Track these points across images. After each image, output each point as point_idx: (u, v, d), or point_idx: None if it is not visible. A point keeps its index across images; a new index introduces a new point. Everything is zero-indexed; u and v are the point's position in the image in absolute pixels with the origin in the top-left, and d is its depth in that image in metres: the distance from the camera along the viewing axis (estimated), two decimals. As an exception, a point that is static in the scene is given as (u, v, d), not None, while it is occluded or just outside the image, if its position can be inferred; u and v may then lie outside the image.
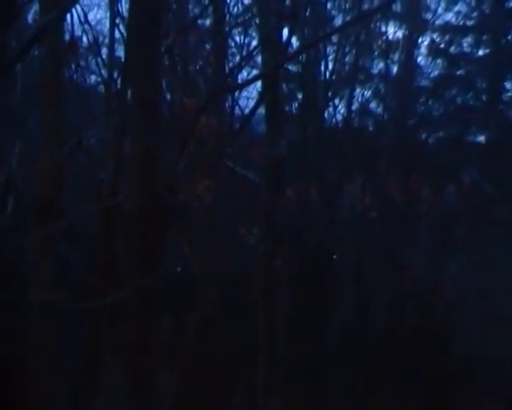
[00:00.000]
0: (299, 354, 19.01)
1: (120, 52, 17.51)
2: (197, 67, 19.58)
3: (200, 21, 18.52)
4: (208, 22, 19.25)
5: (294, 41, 19.28)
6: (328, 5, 20.77)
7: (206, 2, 18.07)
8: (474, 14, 21.97)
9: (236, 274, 19.43)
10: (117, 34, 17.25)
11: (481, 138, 22.63)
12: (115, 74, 17.25)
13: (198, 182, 19.68)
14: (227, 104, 19.62)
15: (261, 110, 18.34)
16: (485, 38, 22.18)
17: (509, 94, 21.55)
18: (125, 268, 12.76)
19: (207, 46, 19.56)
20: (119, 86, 16.66)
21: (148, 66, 11.39)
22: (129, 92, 14.16)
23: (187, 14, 18.64)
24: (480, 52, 22.40)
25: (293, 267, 19.70)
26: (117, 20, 17.06)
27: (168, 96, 18.09)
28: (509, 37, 21.23)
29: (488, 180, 21.23)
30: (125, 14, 16.09)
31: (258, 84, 18.26)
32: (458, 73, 22.45)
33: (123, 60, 16.56)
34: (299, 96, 21.67)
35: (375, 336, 19.94)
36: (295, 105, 21.74)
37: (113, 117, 15.96)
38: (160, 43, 12.19)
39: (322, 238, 20.27)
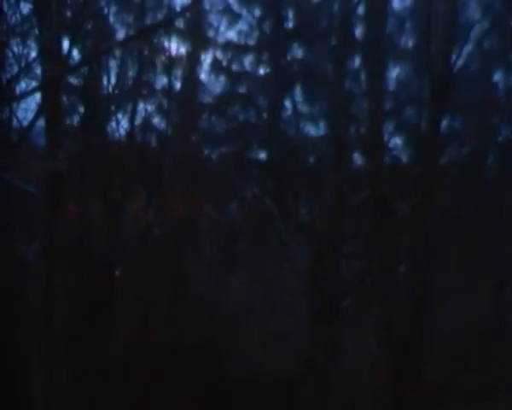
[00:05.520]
0: (79, 369, 18.62)
1: None
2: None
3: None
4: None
5: (76, 53, 18.98)
6: (111, 18, 20.62)
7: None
8: (255, 34, 22.46)
9: (12, 290, 18.77)
10: None
11: (262, 155, 23.15)
12: None
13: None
14: (4, 116, 18.94)
15: (41, 123, 17.85)
16: (265, 57, 22.72)
17: (289, 112, 22.12)
18: None
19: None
20: None
21: None
22: None
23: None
24: (261, 71, 22.95)
25: (73, 283, 19.26)
26: None
27: None
28: (289, 57, 21.82)
29: (269, 196, 21.72)
30: None
31: (38, 96, 17.78)
32: (240, 90, 22.85)
33: None
34: (81, 109, 21.29)
35: (157, 351, 19.85)
36: (77, 118, 21.32)
37: None
38: None
39: (105, 254, 19.98)
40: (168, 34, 21.48)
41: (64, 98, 19.57)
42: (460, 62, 20.20)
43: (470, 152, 22.73)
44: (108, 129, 21.25)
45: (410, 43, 21.98)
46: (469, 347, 20.07)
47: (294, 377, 19.17)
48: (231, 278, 21.83)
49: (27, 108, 18.70)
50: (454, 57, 20.16)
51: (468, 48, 20.42)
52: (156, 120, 22.49)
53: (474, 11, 21.15)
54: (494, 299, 20.93)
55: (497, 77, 23.18)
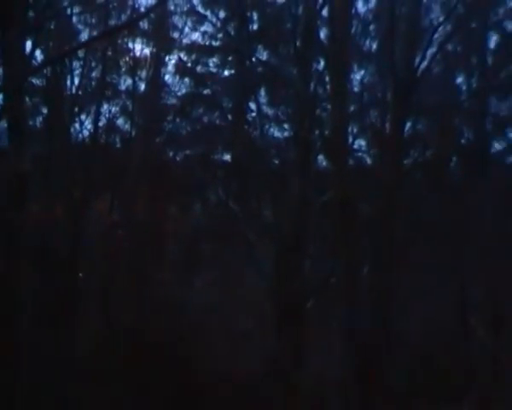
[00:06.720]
0: (44, 370, 18.48)
1: None
2: None
3: None
4: None
5: (39, 54, 18.85)
6: (74, 19, 20.51)
7: None
8: (220, 35, 22.43)
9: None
10: None
11: (227, 157, 23.13)
12: None
13: None
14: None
15: (3, 124, 17.71)
16: (230, 58, 22.71)
17: (254, 114, 22.12)
18: None
19: None
20: None
21: None
22: None
23: None
24: (226, 72, 22.95)
25: (36, 285, 19.10)
26: None
27: None
28: (253, 59, 21.81)
29: (233, 198, 21.72)
30: None
31: (0, 97, 17.64)
32: (205, 92, 22.81)
33: None
34: (44, 110, 21.17)
35: (123, 351, 19.78)
36: (40, 120, 21.20)
37: None
38: None
39: (68, 255, 19.87)
40: (132, 35, 21.42)
41: (27, 99, 19.44)
42: (423, 65, 20.28)
43: (434, 154, 22.86)
44: (72, 130, 21.15)
45: (374, 46, 22.08)
46: (434, 347, 20.22)
47: (260, 378, 19.18)
48: (196, 278, 21.80)
49: (-11, 110, 18.56)
50: (417, 60, 20.23)
51: (431, 50, 20.52)
52: (120, 122, 22.46)
53: (437, 14, 21.29)
54: (457, 299, 21.08)
55: (460, 79, 23.43)
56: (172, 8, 22.07)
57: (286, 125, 22.20)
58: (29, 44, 17.08)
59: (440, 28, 20.46)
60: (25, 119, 18.80)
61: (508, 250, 20.15)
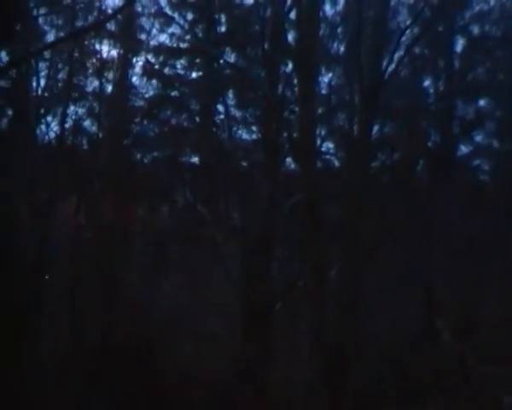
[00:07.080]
0: (9, 371, 18.34)
1: None
2: None
3: None
4: None
5: (4, 55, 18.69)
6: (40, 20, 20.36)
7: None
8: (188, 37, 22.38)
9: None
10: None
11: (195, 159, 23.07)
12: None
13: None
14: None
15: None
16: (198, 60, 22.67)
17: (222, 116, 22.09)
18: None
19: None
20: None
21: None
22: None
23: None
24: (194, 74, 22.89)
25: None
26: None
27: None
28: (221, 61, 21.78)
29: (201, 200, 21.67)
30: None
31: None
32: (172, 94, 22.74)
33: None
34: (10, 112, 21.00)
35: (89, 353, 19.66)
36: (5, 121, 21.02)
37: None
38: None
39: (35, 257, 19.72)
40: (99, 37, 21.30)
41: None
42: (391, 68, 20.34)
43: (401, 157, 22.96)
44: (38, 132, 21.00)
45: (342, 49, 22.12)
46: (401, 349, 20.29)
47: (227, 379, 19.15)
48: (164, 280, 21.72)
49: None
50: (385, 63, 20.29)
51: (398, 53, 20.58)
52: (87, 124, 22.33)
53: (404, 17, 21.40)
54: (424, 300, 21.20)
55: (427, 83, 23.57)
56: (140, 9, 22.02)
57: (254, 128, 22.20)
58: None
59: (407, 31, 20.55)
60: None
61: (474, 252, 20.30)
